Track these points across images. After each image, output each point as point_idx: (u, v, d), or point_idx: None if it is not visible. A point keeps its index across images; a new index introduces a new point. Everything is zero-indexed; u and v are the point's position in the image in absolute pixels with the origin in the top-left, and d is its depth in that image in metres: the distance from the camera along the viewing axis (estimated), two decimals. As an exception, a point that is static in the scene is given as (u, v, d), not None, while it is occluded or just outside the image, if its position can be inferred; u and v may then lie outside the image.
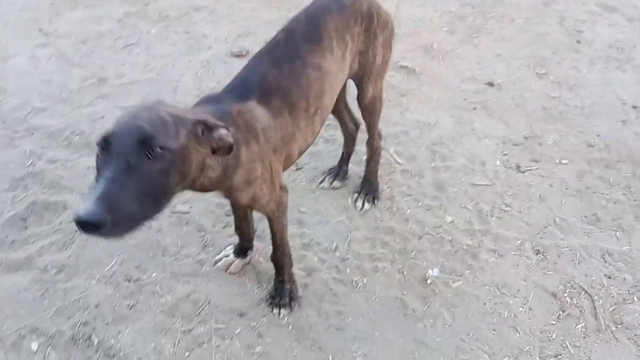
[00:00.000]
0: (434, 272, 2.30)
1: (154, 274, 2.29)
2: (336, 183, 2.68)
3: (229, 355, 2.03)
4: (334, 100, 2.07)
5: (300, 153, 2.01)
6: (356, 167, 2.77)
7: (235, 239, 2.30)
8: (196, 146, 1.42)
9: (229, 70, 3.41)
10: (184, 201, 2.58)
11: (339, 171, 2.70)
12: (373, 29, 2.10)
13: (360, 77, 2.21)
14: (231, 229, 2.38)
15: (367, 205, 2.56)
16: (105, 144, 1.30)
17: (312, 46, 1.90)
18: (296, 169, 2.75)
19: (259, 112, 1.74)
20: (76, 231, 2.42)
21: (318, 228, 2.49)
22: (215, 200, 2.58)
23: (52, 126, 2.98)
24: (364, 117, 2.41)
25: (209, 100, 1.73)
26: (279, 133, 1.81)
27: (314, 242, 2.42)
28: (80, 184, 2.65)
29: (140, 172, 1.27)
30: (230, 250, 2.33)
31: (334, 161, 2.77)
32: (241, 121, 1.67)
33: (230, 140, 1.49)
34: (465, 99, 3.31)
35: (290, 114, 1.83)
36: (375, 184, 2.60)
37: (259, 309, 2.17)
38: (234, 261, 2.30)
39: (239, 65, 3.39)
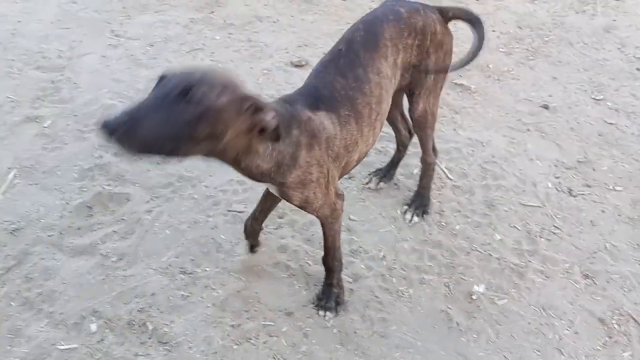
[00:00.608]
0: (479, 288, 2.32)
1: (207, 269, 2.40)
2: (382, 184, 2.77)
3: (275, 352, 2.11)
4: (390, 103, 2.14)
5: (359, 160, 2.10)
6: (406, 180, 2.83)
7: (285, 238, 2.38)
8: (235, 117, 1.49)
9: (288, 78, 3.53)
10: (239, 201, 2.69)
11: (386, 173, 2.79)
12: (426, 47, 2.16)
13: (412, 90, 2.28)
14: (284, 230, 2.48)
15: (416, 219, 2.61)
16: (160, 80, 1.46)
17: (371, 53, 1.99)
18: (348, 177, 2.83)
19: (327, 122, 1.86)
20: (137, 221, 2.58)
21: (366, 236, 2.55)
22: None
23: (120, 122, 3.15)
24: (415, 131, 2.48)
25: (286, 100, 1.85)
26: (344, 142, 1.91)
27: (361, 250, 2.48)
28: (143, 179, 2.80)
29: (171, 108, 1.38)
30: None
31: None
32: (308, 127, 1.79)
33: (274, 124, 1.57)
34: (519, 120, 3.32)
35: (356, 123, 1.93)
36: (426, 199, 2.64)
37: (306, 310, 2.25)
38: None
39: (299, 74, 3.56)
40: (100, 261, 2.43)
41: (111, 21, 4.11)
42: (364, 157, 2.13)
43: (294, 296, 2.31)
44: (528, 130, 3.25)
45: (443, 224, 2.61)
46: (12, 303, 2.28)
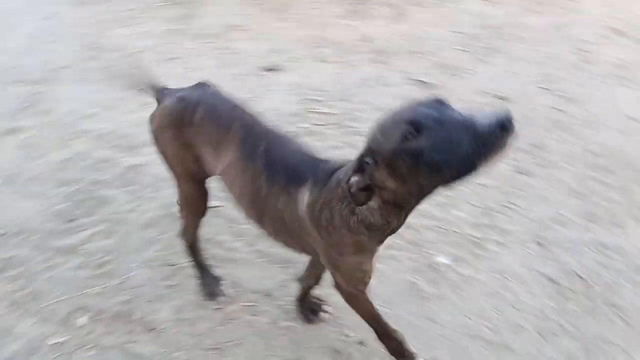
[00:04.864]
0: (443, 259, 2.51)
1: (189, 259, 2.53)
2: None
3: (256, 329, 2.24)
4: None
5: None
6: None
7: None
8: None
9: (260, 82, 3.75)
10: (216, 197, 2.83)
11: None
12: None
13: None
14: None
15: None
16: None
17: None
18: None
19: None
20: (118, 222, 2.71)
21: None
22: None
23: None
24: None
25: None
26: None
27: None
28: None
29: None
30: None
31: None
32: None
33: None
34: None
35: None
36: None
37: (283, 290, 2.39)
38: None
39: (270, 77, 3.74)
40: (84, 260, 2.54)
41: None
42: None
43: (273, 279, 2.45)
44: (485, 119, 3.45)
45: (408, 205, 2.80)
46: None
